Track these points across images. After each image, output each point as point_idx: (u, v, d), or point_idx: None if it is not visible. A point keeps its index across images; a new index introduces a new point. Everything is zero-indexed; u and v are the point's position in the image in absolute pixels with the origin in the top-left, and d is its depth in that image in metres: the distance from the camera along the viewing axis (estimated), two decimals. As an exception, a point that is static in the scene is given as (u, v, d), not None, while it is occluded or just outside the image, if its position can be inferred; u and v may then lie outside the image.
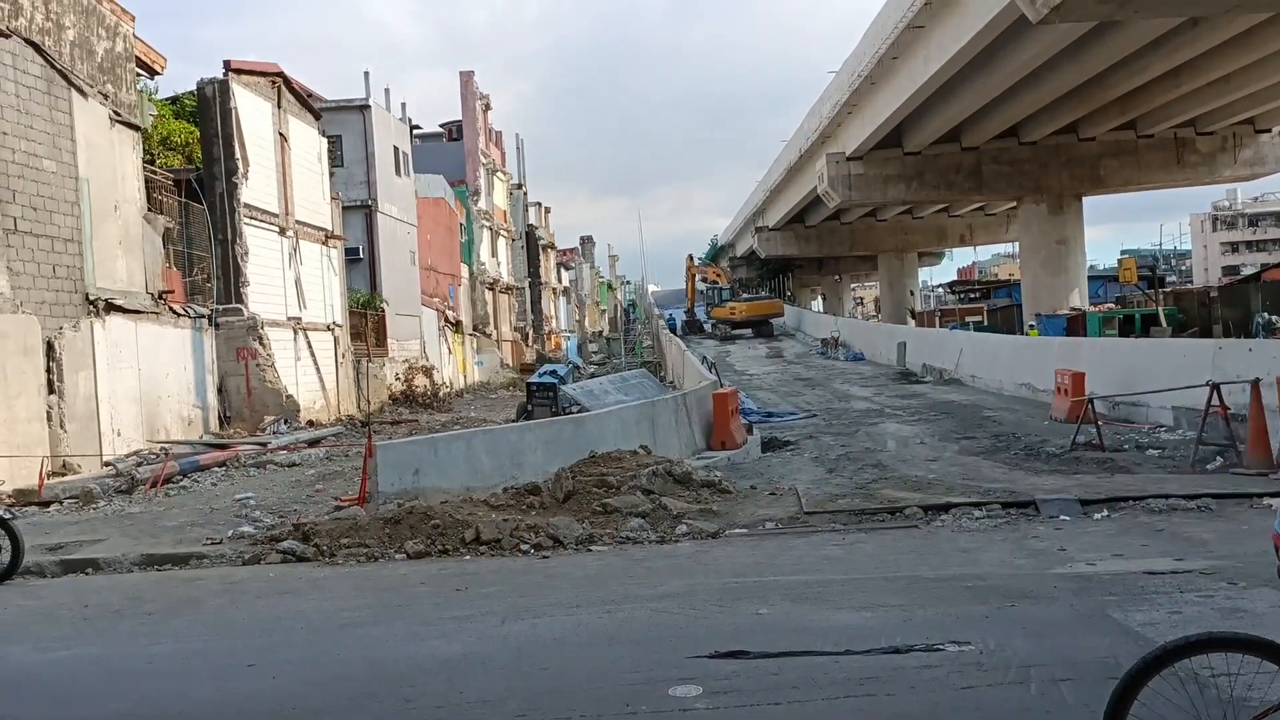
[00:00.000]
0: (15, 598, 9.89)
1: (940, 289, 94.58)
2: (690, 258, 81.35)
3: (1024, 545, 9.88)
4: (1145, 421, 18.42)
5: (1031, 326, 39.28)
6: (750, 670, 6.25)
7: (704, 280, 74.13)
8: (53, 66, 19.16)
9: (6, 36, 17.87)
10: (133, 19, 22.39)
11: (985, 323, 45.81)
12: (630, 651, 6.81)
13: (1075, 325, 34.12)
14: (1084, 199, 42.42)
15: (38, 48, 18.76)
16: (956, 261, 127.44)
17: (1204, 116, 39.65)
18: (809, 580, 8.84)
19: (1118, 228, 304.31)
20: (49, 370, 18.24)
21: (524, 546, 10.80)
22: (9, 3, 18.09)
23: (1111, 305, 42.36)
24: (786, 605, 7.94)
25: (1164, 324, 33.18)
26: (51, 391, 18.25)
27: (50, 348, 18.32)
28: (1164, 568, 8.52)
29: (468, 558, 10.64)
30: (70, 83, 19.68)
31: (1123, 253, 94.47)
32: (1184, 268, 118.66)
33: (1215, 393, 13.98)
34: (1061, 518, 11.11)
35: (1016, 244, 59.27)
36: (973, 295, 59.90)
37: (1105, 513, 11.22)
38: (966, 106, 35.56)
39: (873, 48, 34.68)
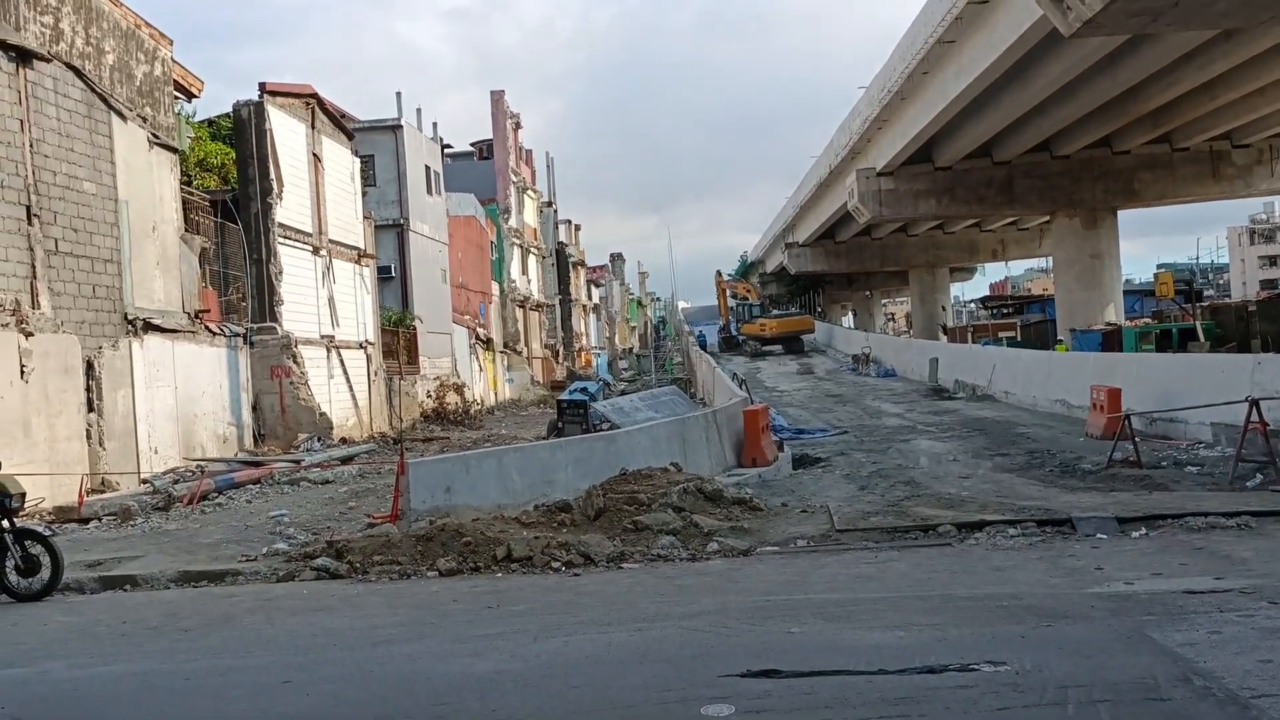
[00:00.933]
0: (55, 614, 10.01)
1: (972, 304, 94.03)
2: (719, 273, 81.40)
3: (1060, 564, 9.78)
4: (1183, 438, 18.20)
5: (1059, 342, 38.94)
6: (783, 689, 6.21)
7: (734, 296, 74.11)
8: (93, 90, 19.49)
9: (48, 61, 18.20)
10: (171, 43, 22.74)
11: (1018, 338, 45.46)
12: (662, 670, 6.80)
13: (1111, 340, 33.78)
14: (1119, 213, 42.05)
15: (78, 72, 19.09)
16: (989, 276, 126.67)
17: (1240, 129, 39.25)
18: (841, 599, 8.79)
19: (1154, 241, 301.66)
20: (88, 389, 18.50)
21: (555, 564, 10.81)
22: (50, 28, 18.43)
23: (1148, 320, 41.90)
24: (819, 624, 7.89)
25: (1202, 339, 32.77)
26: (91, 410, 18.49)
27: (90, 367, 18.58)
28: (1203, 587, 8.40)
29: (499, 575, 10.66)
30: (110, 106, 20.01)
31: (1159, 266, 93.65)
32: (1221, 281, 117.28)
33: (1254, 409, 13.81)
34: (1098, 536, 10.99)
35: (1050, 258, 58.84)
36: (1005, 310, 59.47)
37: (1143, 531, 11.09)
38: (998, 121, 35.39)
39: (903, 63, 34.61)
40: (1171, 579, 8.83)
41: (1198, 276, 78.95)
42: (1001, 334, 46.81)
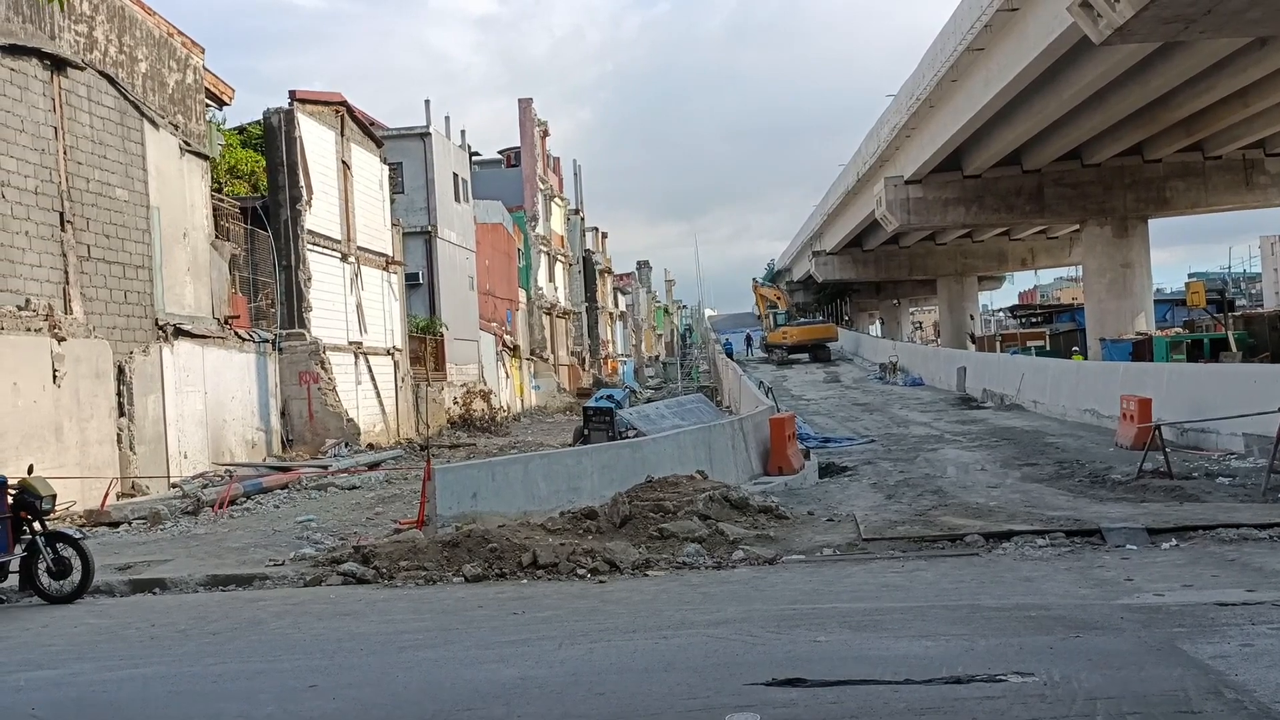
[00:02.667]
0: (85, 616, 10.10)
1: (1001, 313, 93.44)
2: (755, 281, 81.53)
3: (1089, 575, 9.68)
4: (1215, 449, 18.01)
5: (1075, 351, 38.68)
6: (808, 698, 6.18)
7: (765, 301, 73.92)
8: (126, 98, 19.72)
9: (81, 69, 18.43)
10: (203, 51, 22.98)
11: (1047, 347, 45.14)
12: (687, 678, 6.78)
13: (1142, 350, 33.49)
14: (1149, 221, 41.73)
15: (111, 80, 19.32)
16: (1018, 285, 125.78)
17: (1273, 137, 38.89)
18: (867, 608, 8.74)
19: (1185, 250, 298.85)
20: (119, 394, 18.69)
21: (580, 571, 10.81)
22: (84, 36, 18.67)
23: (1179, 330, 41.53)
24: (845, 633, 7.86)
25: (1234, 349, 32.43)
26: (122, 414, 18.68)
27: (121, 372, 18.77)
28: (1235, 599, 8.30)
29: (525, 582, 10.68)
30: (142, 114, 20.23)
31: (1191, 276, 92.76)
32: (1254, 291, 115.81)
33: (1287, 419, 13.63)
34: (1128, 547, 10.89)
35: (1079, 267, 58.47)
36: (1034, 319, 59.04)
37: (1173, 542, 10.97)
38: (1028, 129, 35.20)
39: (931, 70, 34.51)
40: (1203, 591, 8.73)
41: (1230, 286, 77.97)
42: (1030, 343, 46.53)
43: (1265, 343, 35.13)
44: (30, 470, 11.30)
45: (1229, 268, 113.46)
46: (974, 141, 37.97)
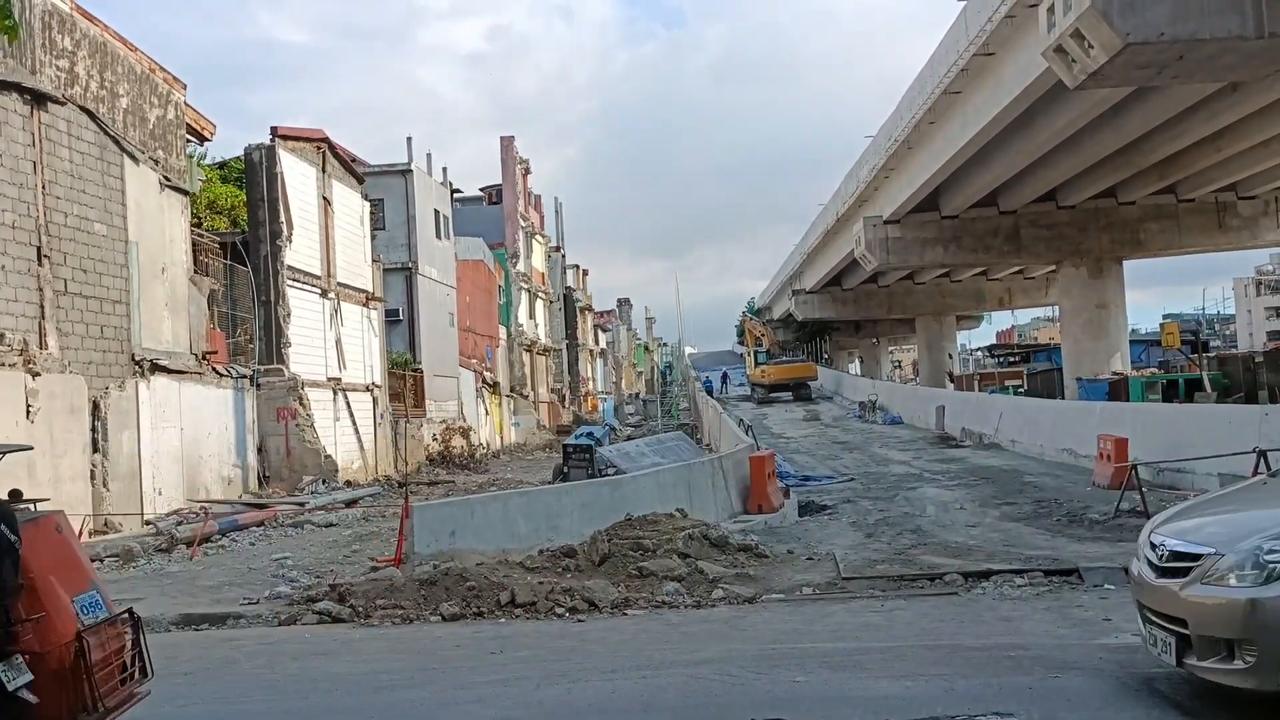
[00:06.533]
0: (54, 656, 9.92)
1: (979, 352, 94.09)
2: (745, 314, 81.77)
3: (1068, 614, 9.69)
4: (1190, 489, 18.08)
5: (1018, 389, 39.32)
6: (788, 740, 6.14)
7: (753, 336, 73.92)
8: (106, 133, 19.71)
9: (62, 104, 18.42)
10: (184, 87, 23.02)
11: (1025, 387, 45.39)
12: (667, 718, 6.73)
13: (1117, 390, 33.69)
14: (1125, 262, 42.16)
15: (92, 115, 19.32)
16: (995, 324, 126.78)
17: (1245, 181, 39.42)
18: (847, 648, 8.71)
19: (1160, 291, 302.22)
20: (94, 429, 18.52)
21: (559, 610, 10.74)
22: (66, 71, 18.68)
23: (1154, 370, 41.86)
24: (825, 673, 7.82)
25: (1208, 389, 32.68)
26: (96, 450, 18.50)
27: (96, 407, 18.61)
28: (1213, 639, 8.30)
29: (503, 620, 10.59)
30: (122, 149, 20.22)
31: (1165, 317, 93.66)
32: (1228, 332, 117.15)
33: (1262, 459, 13.73)
34: (1106, 586, 10.90)
35: (1056, 307, 58.94)
36: (1012, 359, 59.44)
37: (1151, 582, 10.99)
38: (1004, 170, 35.59)
39: (910, 112, 34.90)
40: (1181, 631, 8.73)
41: (1204, 327, 78.79)
42: (1008, 382, 46.76)
43: (1239, 383, 35.41)
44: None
45: (1203, 309, 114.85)
46: (952, 182, 38.35)
